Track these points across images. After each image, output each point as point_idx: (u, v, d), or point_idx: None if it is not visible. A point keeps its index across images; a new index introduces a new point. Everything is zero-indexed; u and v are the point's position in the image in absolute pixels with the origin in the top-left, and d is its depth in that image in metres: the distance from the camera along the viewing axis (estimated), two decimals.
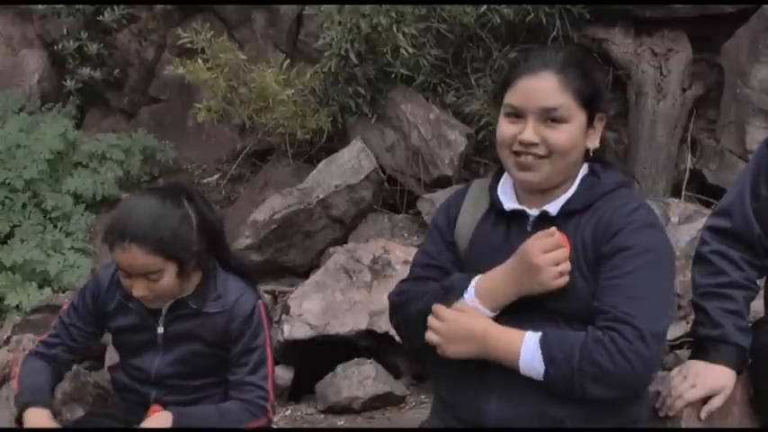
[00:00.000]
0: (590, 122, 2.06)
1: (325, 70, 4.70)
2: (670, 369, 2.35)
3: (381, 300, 3.75)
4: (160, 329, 2.51)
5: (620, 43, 4.75)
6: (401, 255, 3.96)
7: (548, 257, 1.94)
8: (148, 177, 5.68)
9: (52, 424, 2.50)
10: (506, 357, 1.96)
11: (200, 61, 4.91)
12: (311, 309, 3.83)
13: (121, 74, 6.24)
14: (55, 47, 6.18)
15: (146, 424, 2.40)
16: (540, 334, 1.94)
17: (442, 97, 4.81)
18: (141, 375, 2.55)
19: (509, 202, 2.11)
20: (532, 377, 1.94)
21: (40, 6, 6.33)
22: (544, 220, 2.05)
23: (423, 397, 3.66)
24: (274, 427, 3.54)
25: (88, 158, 5.44)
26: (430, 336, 2.02)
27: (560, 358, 1.90)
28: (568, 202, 2.06)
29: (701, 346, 2.24)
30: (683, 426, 2.16)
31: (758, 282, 2.30)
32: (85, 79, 6.06)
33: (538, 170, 2.03)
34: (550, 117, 2.00)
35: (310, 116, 4.78)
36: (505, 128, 2.05)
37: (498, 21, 4.58)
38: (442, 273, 2.12)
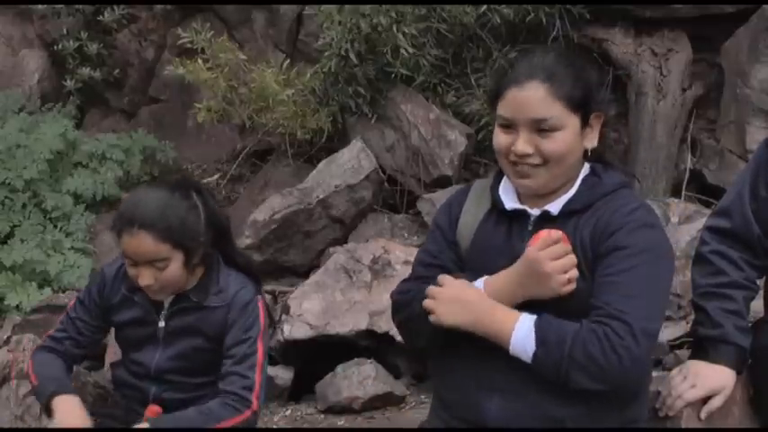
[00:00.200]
0: (585, 123, 2.05)
1: (325, 70, 4.70)
2: (670, 369, 2.35)
3: (381, 300, 3.76)
4: (161, 323, 2.52)
5: (620, 43, 4.75)
6: (401, 255, 3.96)
7: (557, 265, 1.93)
8: (148, 177, 5.67)
9: (84, 411, 2.50)
10: (499, 333, 1.95)
11: (200, 61, 4.92)
12: (311, 309, 3.83)
13: (121, 74, 6.23)
14: (55, 47, 6.18)
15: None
16: (536, 316, 1.94)
17: (442, 97, 4.81)
18: (141, 370, 2.56)
19: (510, 201, 2.11)
20: (520, 357, 1.94)
21: (40, 6, 6.33)
22: (545, 220, 2.05)
23: (423, 397, 3.66)
24: (274, 427, 3.56)
25: (88, 158, 5.44)
26: (427, 302, 2.01)
27: (552, 341, 1.90)
28: (569, 202, 2.05)
29: (701, 346, 2.24)
30: (683, 426, 2.16)
31: (758, 282, 2.29)
32: (85, 79, 6.05)
33: (535, 177, 2.03)
34: (541, 127, 1.99)
35: (310, 116, 4.78)
36: (500, 138, 2.06)
37: (498, 21, 4.58)
38: (443, 272, 2.11)
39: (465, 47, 4.80)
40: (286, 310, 3.85)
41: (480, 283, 2.02)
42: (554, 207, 2.06)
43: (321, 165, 4.71)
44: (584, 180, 2.09)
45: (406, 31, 4.52)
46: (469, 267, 2.09)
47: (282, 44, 5.66)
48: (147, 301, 2.53)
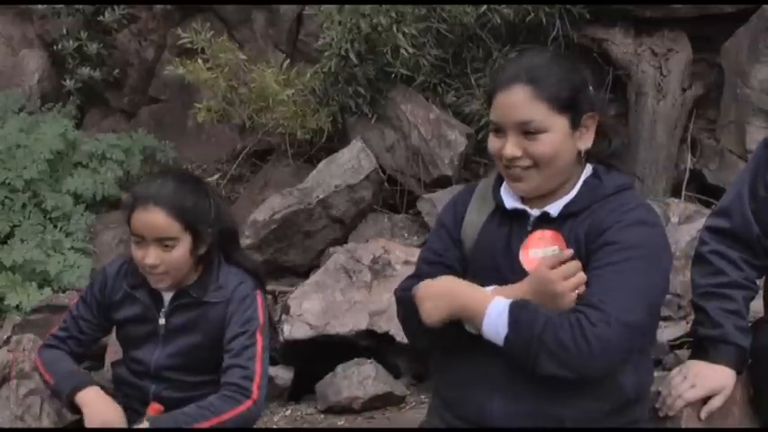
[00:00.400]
0: (576, 124, 2.03)
1: (325, 70, 4.70)
2: (670, 369, 2.35)
3: (381, 300, 3.76)
4: (162, 320, 2.53)
5: (620, 43, 4.75)
6: (401, 255, 3.97)
7: (569, 285, 1.92)
8: (148, 177, 5.68)
9: (111, 400, 2.52)
10: (473, 315, 1.96)
11: (200, 61, 4.91)
12: (311, 309, 3.83)
13: (121, 74, 6.23)
14: (55, 47, 6.17)
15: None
16: (510, 300, 1.94)
17: (442, 97, 4.81)
18: (141, 368, 2.57)
19: (511, 201, 2.11)
20: (494, 341, 1.93)
21: (40, 6, 6.33)
22: (544, 221, 2.05)
23: (423, 397, 3.66)
24: (274, 427, 3.56)
25: (88, 158, 5.44)
26: (416, 301, 2.04)
27: (524, 323, 1.90)
28: (569, 203, 2.05)
29: (701, 346, 2.24)
30: (683, 426, 2.17)
31: (757, 282, 2.30)
32: (85, 79, 6.05)
33: (527, 180, 2.04)
34: (527, 130, 1.99)
35: (310, 116, 4.78)
36: (492, 142, 2.06)
37: (498, 21, 4.58)
38: (448, 270, 2.12)
39: (465, 47, 4.80)
40: (286, 310, 3.85)
41: (488, 291, 2.01)
42: (554, 208, 2.06)
43: (321, 165, 4.71)
44: (585, 182, 2.08)
45: (406, 31, 4.52)
46: (472, 267, 2.09)
47: (282, 44, 5.66)
48: (148, 297, 2.55)
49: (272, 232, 4.51)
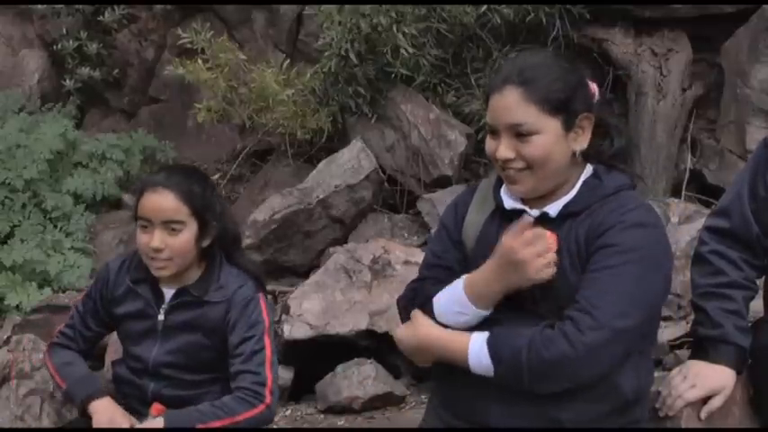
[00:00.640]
0: (570, 126, 2.02)
1: (325, 70, 4.70)
2: (670, 369, 2.35)
3: (381, 300, 3.76)
4: (161, 317, 2.54)
5: (620, 43, 4.75)
6: (401, 255, 3.96)
7: (531, 251, 1.93)
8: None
9: (123, 412, 2.52)
10: (459, 359, 1.99)
11: (200, 61, 4.92)
12: (311, 309, 3.83)
13: (121, 74, 6.23)
14: (55, 47, 6.18)
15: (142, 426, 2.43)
16: (487, 333, 1.95)
17: (442, 97, 4.81)
18: (139, 365, 2.57)
19: (511, 201, 2.11)
20: (486, 376, 1.95)
21: (39, 6, 6.33)
22: (544, 221, 2.04)
23: (423, 397, 3.66)
24: (274, 427, 3.55)
25: (88, 158, 5.44)
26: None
27: (507, 356, 1.91)
28: (568, 204, 2.05)
29: (701, 346, 2.24)
30: (683, 426, 2.16)
31: (757, 282, 2.29)
32: (85, 79, 6.05)
33: (522, 182, 2.04)
34: (519, 132, 1.99)
35: (310, 116, 4.78)
36: (488, 145, 2.07)
37: (498, 21, 4.58)
38: (447, 272, 2.12)
39: (465, 47, 4.80)
40: (286, 310, 3.85)
41: (461, 281, 2.04)
42: (553, 209, 2.05)
43: (321, 165, 4.71)
44: (585, 182, 2.08)
45: (406, 31, 4.52)
46: (473, 267, 2.09)
47: (282, 44, 5.66)
48: (149, 293, 2.56)
49: (272, 232, 4.51)
